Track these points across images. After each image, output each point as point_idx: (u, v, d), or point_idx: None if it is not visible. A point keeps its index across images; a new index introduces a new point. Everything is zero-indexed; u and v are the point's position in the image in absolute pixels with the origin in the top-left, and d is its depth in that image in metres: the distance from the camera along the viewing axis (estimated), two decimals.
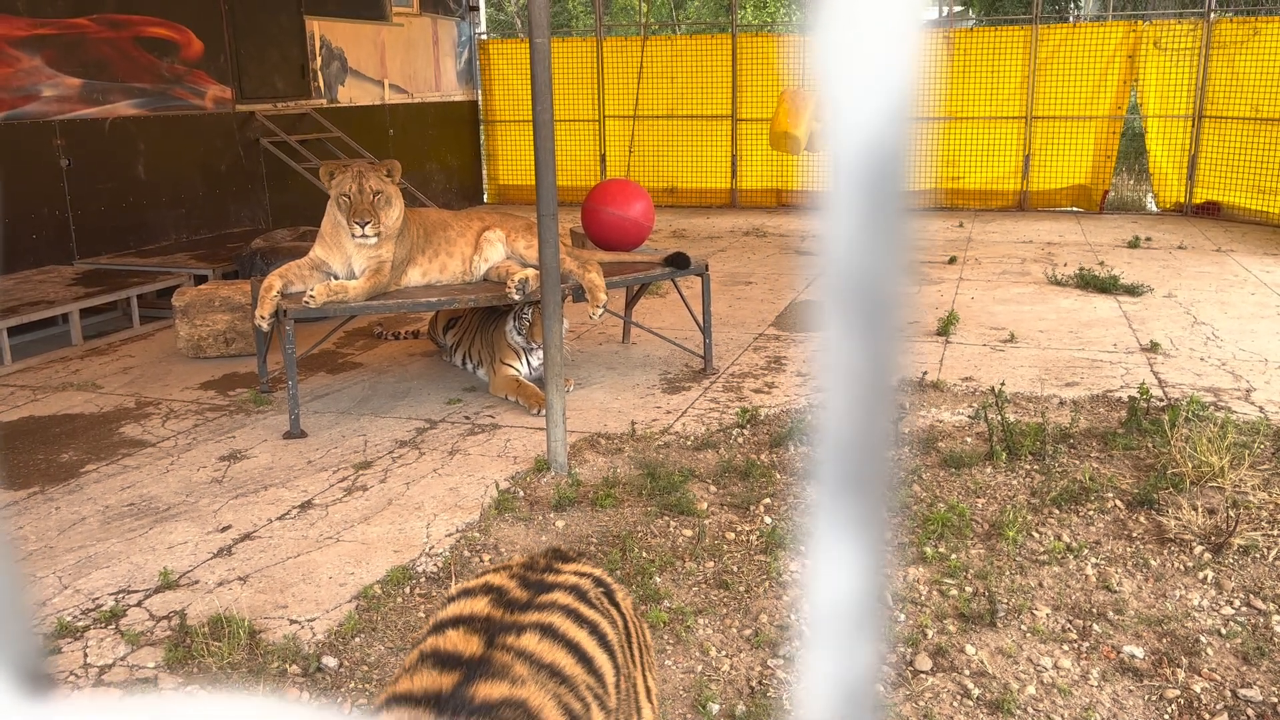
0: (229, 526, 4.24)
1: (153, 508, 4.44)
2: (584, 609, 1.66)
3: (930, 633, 3.30)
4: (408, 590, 3.66)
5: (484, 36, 14.99)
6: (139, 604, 3.61)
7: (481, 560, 3.87)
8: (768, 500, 4.30)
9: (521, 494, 4.46)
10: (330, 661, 3.23)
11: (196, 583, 3.77)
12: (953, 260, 9.59)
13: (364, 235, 5.24)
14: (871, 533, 0.20)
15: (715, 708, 2.96)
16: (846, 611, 0.20)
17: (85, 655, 3.31)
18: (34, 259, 8.09)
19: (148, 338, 7.46)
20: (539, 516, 4.23)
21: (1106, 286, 8.11)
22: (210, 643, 3.28)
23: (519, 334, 5.80)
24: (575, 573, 1.78)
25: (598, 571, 1.85)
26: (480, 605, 1.59)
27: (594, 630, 1.63)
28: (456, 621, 1.55)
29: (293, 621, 3.49)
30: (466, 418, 5.54)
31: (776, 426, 5.22)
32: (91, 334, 7.45)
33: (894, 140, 0.21)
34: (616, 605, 1.79)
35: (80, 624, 3.47)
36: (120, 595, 3.67)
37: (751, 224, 12.29)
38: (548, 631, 1.55)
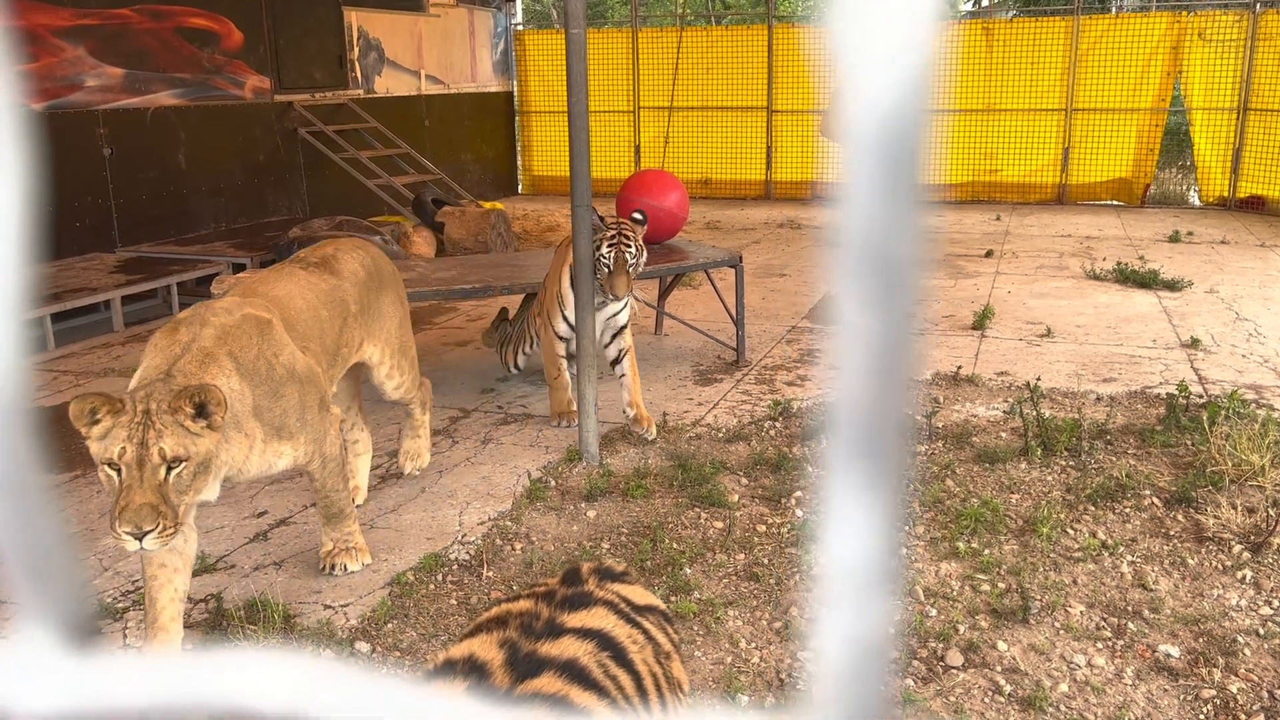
0: (265, 512, 4.30)
1: None
2: (575, 694, 1.48)
3: (962, 628, 3.28)
4: (440, 577, 3.69)
5: (520, 27, 15.02)
6: None
7: (513, 548, 3.90)
8: (799, 493, 4.30)
9: (553, 483, 4.49)
10: (363, 646, 3.27)
11: (233, 566, 3.83)
12: (989, 254, 9.50)
13: (140, 547, 2.70)
14: (884, 495, 0.21)
15: (744, 699, 2.96)
16: (859, 571, 0.20)
17: (125, 635, 3.37)
18: (77, 247, 8.23)
19: None
20: (570, 506, 4.25)
21: (1146, 281, 8.00)
22: (246, 625, 3.33)
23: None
24: (580, 631, 1.58)
25: (608, 622, 1.63)
26: (455, 697, 1.43)
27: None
28: None
29: (327, 606, 3.53)
30: (499, 407, 5.57)
31: (809, 419, 5.20)
32: (133, 320, 7.57)
33: (909, 115, 0.21)
34: (629, 665, 1.61)
35: (120, 605, 3.54)
36: None
37: (786, 216, 12.24)
38: None
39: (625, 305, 5.06)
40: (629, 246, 4.86)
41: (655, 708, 1.63)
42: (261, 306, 3.31)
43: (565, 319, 5.04)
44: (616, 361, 5.14)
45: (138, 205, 8.77)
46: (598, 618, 1.63)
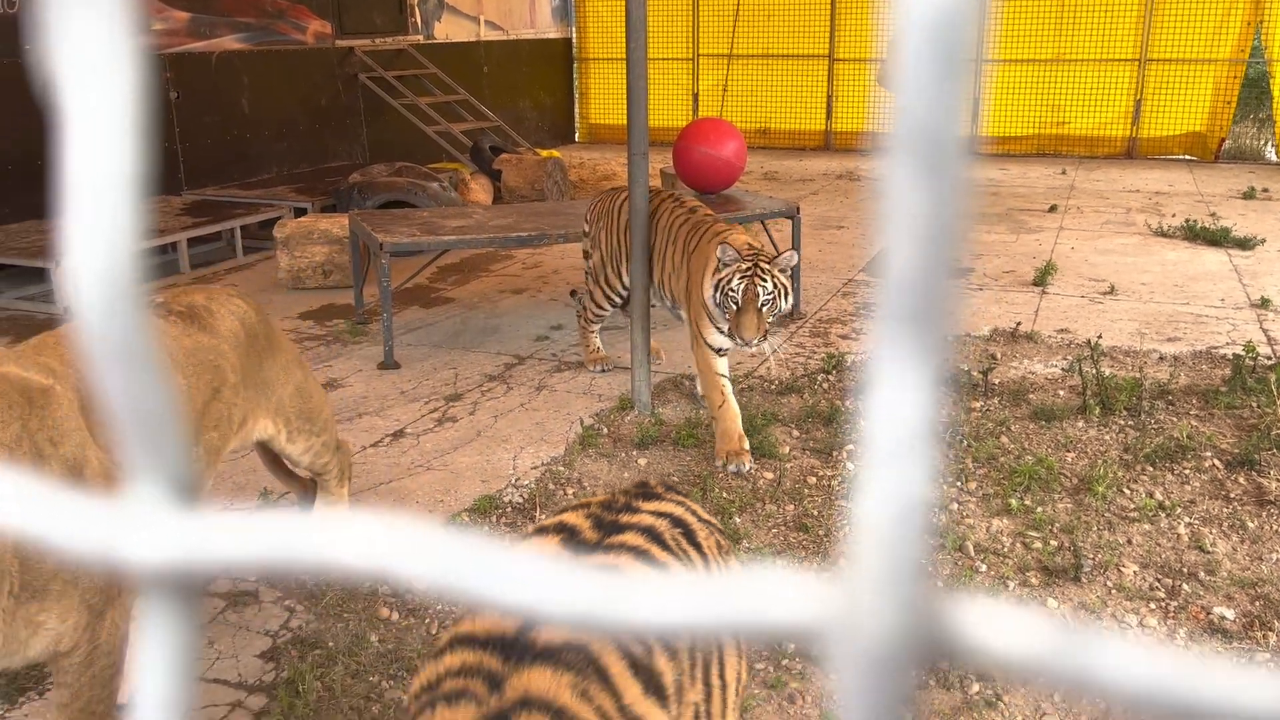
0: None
1: None
2: (656, 550, 1.63)
3: (1011, 584, 3.28)
4: (494, 519, 3.77)
5: None
6: None
7: (565, 493, 3.96)
8: (851, 446, 4.29)
9: (605, 431, 4.53)
10: (419, 585, 3.35)
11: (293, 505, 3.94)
12: (1053, 208, 9.29)
13: None
14: (929, 363, 0.22)
15: (791, 647, 3.00)
16: (902, 436, 0.22)
17: None
18: (145, 189, 8.40)
19: (250, 267, 7.71)
20: (622, 453, 4.30)
21: (1216, 239, 7.78)
22: None
23: (715, 303, 4.28)
24: (654, 512, 1.75)
25: (678, 510, 1.80)
26: (549, 549, 1.60)
27: (662, 572, 1.59)
28: None
29: None
30: (554, 355, 5.62)
31: (862, 373, 5.18)
32: (198, 263, 7.73)
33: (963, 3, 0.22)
34: (697, 545, 1.75)
35: None
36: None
37: (845, 167, 12.06)
38: None
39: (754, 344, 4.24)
40: (764, 282, 4.13)
41: None
42: (41, 368, 2.15)
43: (719, 330, 4.32)
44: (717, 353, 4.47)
45: (203, 149, 8.91)
46: (669, 507, 1.83)
